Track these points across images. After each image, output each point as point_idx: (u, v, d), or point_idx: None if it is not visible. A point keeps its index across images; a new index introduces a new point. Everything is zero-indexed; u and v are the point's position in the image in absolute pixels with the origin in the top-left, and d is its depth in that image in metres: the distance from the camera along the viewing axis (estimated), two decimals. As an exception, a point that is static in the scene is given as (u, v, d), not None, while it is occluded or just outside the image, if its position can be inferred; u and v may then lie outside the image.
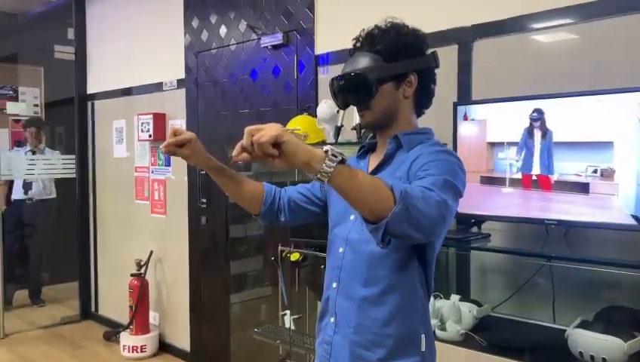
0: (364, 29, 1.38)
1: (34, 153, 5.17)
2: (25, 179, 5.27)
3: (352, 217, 1.35)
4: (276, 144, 1.02)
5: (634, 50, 1.97)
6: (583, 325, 1.77)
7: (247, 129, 1.05)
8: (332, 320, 1.37)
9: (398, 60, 1.31)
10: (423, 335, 1.31)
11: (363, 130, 2.29)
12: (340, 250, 1.36)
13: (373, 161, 1.40)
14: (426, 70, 1.35)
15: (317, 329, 1.46)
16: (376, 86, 1.30)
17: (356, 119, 2.35)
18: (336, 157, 1.02)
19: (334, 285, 1.37)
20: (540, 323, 2.06)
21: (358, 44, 1.37)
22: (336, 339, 1.35)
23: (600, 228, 1.87)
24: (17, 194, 5.41)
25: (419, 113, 1.41)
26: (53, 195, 5.48)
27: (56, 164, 5.08)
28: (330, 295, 1.38)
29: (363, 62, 1.32)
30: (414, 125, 1.39)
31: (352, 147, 2.30)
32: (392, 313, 1.28)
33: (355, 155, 1.51)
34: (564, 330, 1.79)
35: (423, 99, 1.38)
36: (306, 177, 1.99)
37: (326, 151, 1.02)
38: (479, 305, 2.07)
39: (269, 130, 1.02)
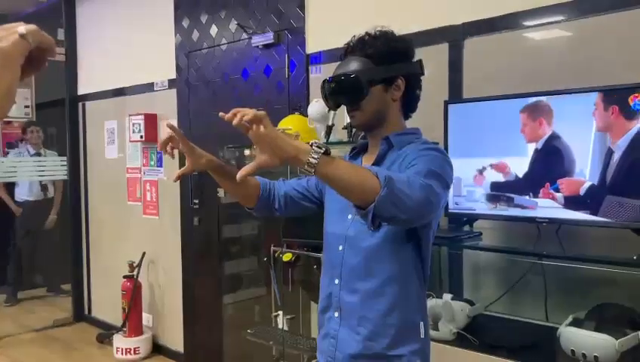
0: (354, 35, 1.44)
1: (39, 155, 5.32)
2: (40, 181, 5.42)
3: (349, 216, 1.41)
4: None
5: (626, 47, 1.97)
6: (575, 323, 1.77)
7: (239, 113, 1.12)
8: (336, 314, 1.43)
9: (388, 64, 1.38)
10: (421, 323, 1.40)
11: (354, 130, 2.29)
12: (340, 248, 1.43)
13: (366, 162, 1.47)
14: (413, 75, 1.43)
15: (318, 323, 1.52)
16: (367, 87, 1.37)
17: (347, 118, 2.34)
18: (320, 148, 1.09)
19: (337, 281, 1.43)
20: (533, 321, 2.07)
21: (349, 49, 1.43)
22: (341, 332, 1.42)
23: (589, 225, 1.87)
24: (24, 195, 5.48)
25: (406, 117, 1.48)
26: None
27: (58, 165, 5.17)
28: (332, 291, 1.45)
29: (355, 65, 1.39)
30: (403, 127, 1.46)
31: (344, 146, 2.29)
32: (392, 303, 1.36)
33: (347, 156, 1.56)
34: (557, 328, 1.79)
35: (409, 102, 1.45)
36: (296, 175, 1.98)
37: (311, 145, 1.10)
38: (472, 303, 2.07)
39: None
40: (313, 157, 1.08)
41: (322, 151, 1.09)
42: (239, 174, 1.13)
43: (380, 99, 1.39)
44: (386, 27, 1.43)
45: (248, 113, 1.10)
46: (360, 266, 1.38)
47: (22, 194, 5.52)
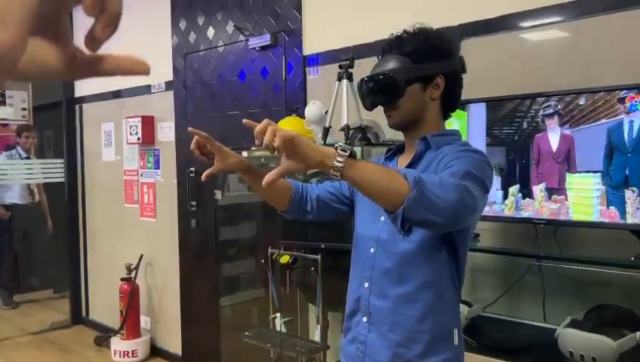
0: (392, 33, 1.41)
1: (28, 158, 5.32)
2: (29, 185, 5.44)
3: (382, 218, 1.36)
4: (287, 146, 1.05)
5: (622, 48, 1.97)
6: (573, 324, 1.77)
7: (271, 127, 1.06)
8: (365, 319, 1.39)
9: (426, 62, 1.34)
10: (455, 330, 1.35)
11: (351, 132, 2.28)
12: (371, 250, 1.38)
13: (402, 162, 1.43)
14: (453, 73, 1.38)
15: (345, 327, 1.48)
16: (403, 86, 1.33)
17: (344, 120, 2.34)
18: (345, 151, 1.06)
19: (366, 285, 1.39)
20: (531, 322, 2.06)
21: (387, 48, 1.40)
22: (370, 338, 1.38)
23: (586, 226, 1.87)
24: (13, 198, 5.47)
25: (445, 116, 1.44)
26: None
27: (49, 169, 5.17)
28: (361, 294, 1.40)
29: (391, 63, 1.35)
30: (442, 127, 1.42)
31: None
32: (427, 309, 1.31)
33: (383, 157, 1.53)
34: (555, 330, 1.79)
35: (449, 101, 1.41)
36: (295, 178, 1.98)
37: (336, 148, 1.06)
38: (470, 305, 2.07)
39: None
40: (338, 161, 1.05)
41: (347, 153, 1.05)
42: (265, 180, 1.10)
43: (417, 99, 1.35)
44: (425, 24, 1.39)
45: (281, 136, 1.04)
46: (394, 270, 1.33)
47: (11, 197, 5.47)
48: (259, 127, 1.08)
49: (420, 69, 1.34)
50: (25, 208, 5.51)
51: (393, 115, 1.38)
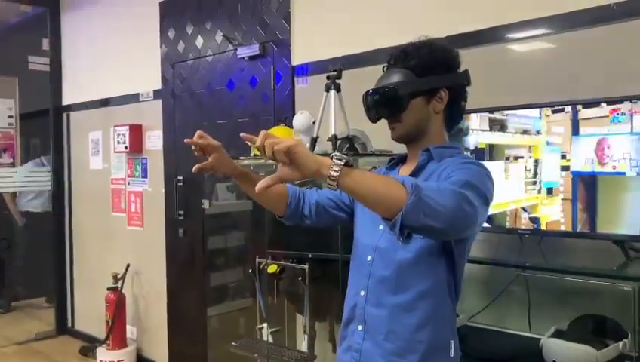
0: (397, 47, 1.41)
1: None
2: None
3: (380, 227, 1.37)
4: (288, 154, 1.07)
5: (608, 61, 2.00)
6: (557, 334, 1.79)
7: (268, 141, 1.09)
8: (360, 327, 1.39)
9: (430, 76, 1.36)
10: (451, 341, 1.35)
11: (338, 142, 2.29)
12: (368, 258, 1.39)
13: (404, 172, 1.43)
14: (457, 86, 1.39)
15: (341, 335, 1.48)
16: (407, 100, 1.35)
17: (332, 130, 2.35)
18: (340, 160, 1.07)
19: (362, 293, 1.39)
20: (516, 332, 2.07)
21: (392, 61, 1.41)
22: (365, 346, 1.37)
23: (570, 237, 1.89)
24: (27, 206, 5.48)
25: (449, 128, 1.45)
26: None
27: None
28: (357, 302, 1.40)
29: (395, 77, 1.37)
30: (445, 140, 1.43)
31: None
32: (424, 319, 1.31)
33: (384, 167, 1.54)
34: (540, 339, 1.80)
35: (453, 114, 1.42)
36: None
37: (332, 157, 1.08)
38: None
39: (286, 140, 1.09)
40: (334, 170, 1.06)
41: (342, 163, 1.07)
42: (258, 186, 1.12)
43: (421, 112, 1.37)
44: (430, 36, 1.41)
45: (279, 144, 1.07)
46: (391, 279, 1.33)
47: (35, 206, 5.47)
48: (257, 142, 1.11)
49: (423, 82, 1.35)
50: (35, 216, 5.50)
51: (397, 128, 1.40)
